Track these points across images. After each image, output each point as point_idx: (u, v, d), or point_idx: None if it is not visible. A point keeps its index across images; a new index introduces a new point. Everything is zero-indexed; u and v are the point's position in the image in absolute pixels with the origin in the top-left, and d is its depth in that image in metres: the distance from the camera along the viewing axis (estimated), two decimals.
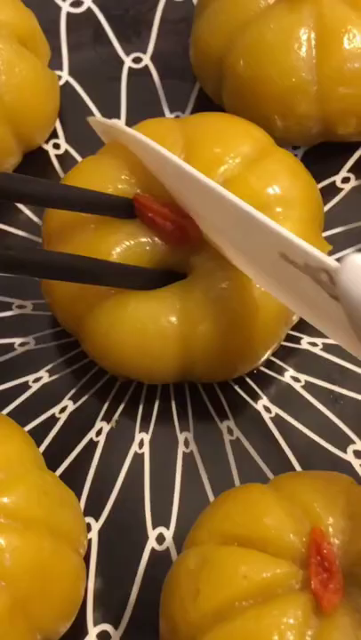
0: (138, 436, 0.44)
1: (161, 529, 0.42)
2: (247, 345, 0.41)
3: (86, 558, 0.40)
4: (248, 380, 0.45)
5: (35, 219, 0.50)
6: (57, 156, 0.52)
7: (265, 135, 0.44)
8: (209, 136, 0.43)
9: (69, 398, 0.45)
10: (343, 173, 0.49)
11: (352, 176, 0.49)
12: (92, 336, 0.42)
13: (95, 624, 0.40)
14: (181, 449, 0.44)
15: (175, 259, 0.42)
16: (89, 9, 0.56)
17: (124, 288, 0.41)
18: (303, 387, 0.45)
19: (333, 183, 0.49)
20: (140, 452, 0.44)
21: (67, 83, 0.54)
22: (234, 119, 0.45)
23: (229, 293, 0.40)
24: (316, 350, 0.45)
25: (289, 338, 0.46)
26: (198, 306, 0.40)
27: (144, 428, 0.44)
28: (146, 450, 0.44)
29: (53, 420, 0.45)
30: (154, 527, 0.42)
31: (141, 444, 0.44)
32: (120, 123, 0.41)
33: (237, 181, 0.41)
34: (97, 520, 0.42)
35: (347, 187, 0.49)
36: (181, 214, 0.40)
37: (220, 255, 0.40)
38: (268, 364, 0.45)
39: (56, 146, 0.52)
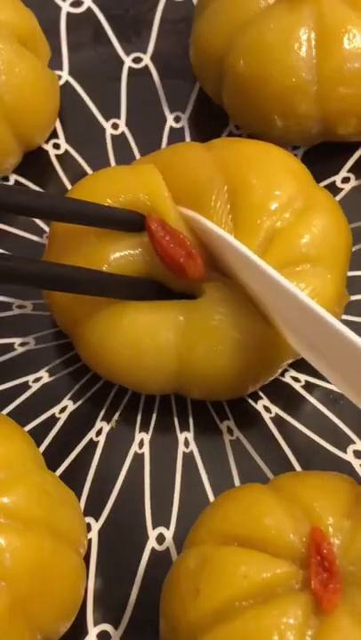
0: (138, 436, 0.44)
1: (161, 529, 0.42)
2: (240, 376, 0.41)
3: (86, 558, 0.40)
4: None
5: (35, 219, 0.50)
6: (57, 155, 0.52)
7: (302, 168, 0.44)
8: (250, 178, 0.42)
9: (69, 398, 0.45)
10: (343, 173, 0.49)
11: (352, 176, 0.49)
12: (87, 343, 0.42)
13: (95, 624, 0.40)
14: (181, 449, 0.44)
15: (179, 283, 0.42)
16: (89, 9, 0.56)
17: (122, 299, 0.41)
18: (303, 387, 0.45)
19: (333, 183, 0.49)
20: (140, 452, 0.44)
21: (67, 83, 0.54)
22: (270, 150, 0.44)
23: (232, 322, 0.40)
24: None
25: None
26: (199, 328, 0.40)
27: (144, 428, 0.44)
28: (146, 450, 0.44)
29: (53, 419, 0.45)
30: (154, 527, 0.42)
31: (141, 444, 0.44)
32: (201, 217, 0.41)
33: (286, 234, 0.41)
34: (97, 520, 0.42)
35: (347, 187, 0.49)
36: (187, 250, 0.40)
37: (232, 287, 0.40)
38: None
39: (56, 146, 0.52)
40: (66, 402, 0.45)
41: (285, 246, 0.41)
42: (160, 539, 0.41)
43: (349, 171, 0.49)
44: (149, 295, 0.41)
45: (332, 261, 0.41)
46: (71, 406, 0.45)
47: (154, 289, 0.42)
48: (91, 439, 0.44)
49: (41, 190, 0.48)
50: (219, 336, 0.40)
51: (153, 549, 0.41)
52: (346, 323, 0.46)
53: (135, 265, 0.41)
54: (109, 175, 0.44)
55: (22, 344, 0.47)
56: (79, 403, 0.45)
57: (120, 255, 0.41)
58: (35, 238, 0.49)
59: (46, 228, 0.49)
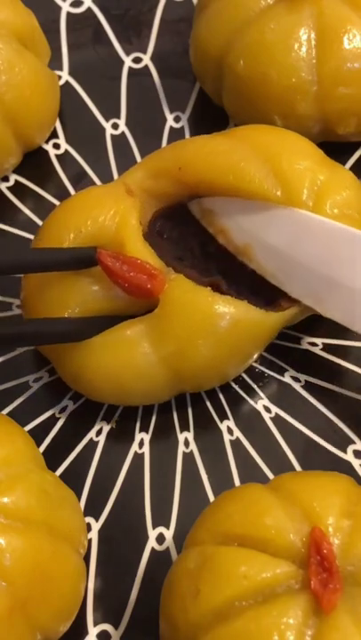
0: (138, 436, 0.44)
1: (161, 529, 0.42)
2: (228, 356, 0.41)
3: (86, 558, 0.40)
4: (248, 380, 0.45)
5: (35, 219, 0.50)
6: (57, 155, 0.52)
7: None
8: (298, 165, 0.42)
9: (69, 398, 0.45)
10: None
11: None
12: (65, 375, 0.43)
13: (95, 624, 0.40)
14: (181, 449, 0.44)
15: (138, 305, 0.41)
16: (89, 9, 0.56)
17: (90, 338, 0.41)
18: (303, 387, 0.45)
19: None
20: (140, 451, 0.44)
21: (67, 83, 0.54)
22: (282, 133, 0.44)
23: (198, 312, 0.40)
24: (316, 350, 0.45)
25: (289, 338, 0.46)
26: (172, 332, 0.40)
27: (144, 428, 0.44)
28: (146, 450, 0.44)
29: (53, 419, 0.45)
30: (154, 527, 0.42)
31: (141, 444, 0.44)
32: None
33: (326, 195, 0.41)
34: (97, 520, 0.42)
35: None
36: (148, 272, 0.40)
37: (191, 287, 0.40)
38: (269, 363, 0.45)
39: (56, 146, 0.52)
40: (66, 402, 0.45)
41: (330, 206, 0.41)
42: (160, 539, 0.41)
43: (350, 170, 0.49)
44: (112, 323, 0.41)
45: None
46: (71, 406, 0.45)
47: (117, 322, 0.42)
48: (91, 439, 0.44)
49: None
50: (193, 331, 0.40)
51: (153, 549, 0.41)
52: None
53: (96, 301, 0.41)
54: (81, 201, 0.43)
55: None
56: (79, 403, 0.45)
57: (79, 297, 0.41)
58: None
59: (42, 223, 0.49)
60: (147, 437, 0.44)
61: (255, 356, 0.43)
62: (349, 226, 0.40)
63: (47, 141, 0.52)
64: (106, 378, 0.41)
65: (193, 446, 0.44)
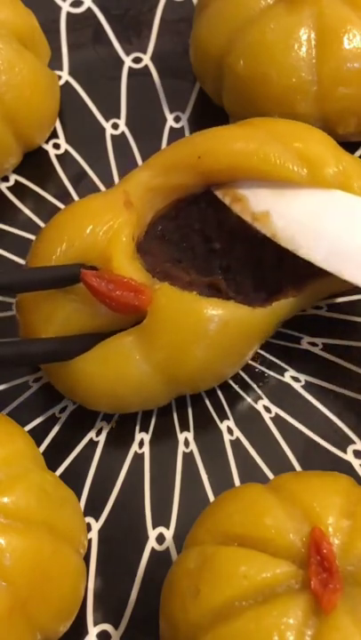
0: (138, 436, 0.44)
1: (161, 529, 0.42)
2: (224, 356, 0.42)
3: (86, 558, 0.40)
4: (248, 380, 0.45)
5: (35, 219, 0.50)
6: (57, 155, 0.52)
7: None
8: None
9: (69, 398, 0.45)
10: None
11: None
12: (60, 388, 0.43)
13: (95, 624, 0.40)
14: (181, 449, 0.44)
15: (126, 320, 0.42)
16: (89, 9, 0.56)
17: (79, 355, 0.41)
18: (303, 387, 0.45)
19: None
20: (140, 451, 0.44)
21: (67, 83, 0.54)
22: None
23: (186, 318, 0.40)
24: (316, 350, 0.45)
25: (289, 338, 0.46)
26: (163, 340, 0.40)
27: (144, 428, 0.44)
28: (146, 450, 0.44)
29: (53, 419, 0.45)
30: (154, 527, 0.42)
31: (141, 444, 0.44)
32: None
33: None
34: (97, 520, 0.42)
35: None
36: (134, 289, 0.40)
37: (177, 294, 0.40)
38: (269, 364, 0.45)
39: (56, 146, 0.52)
40: (66, 402, 0.45)
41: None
42: (160, 539, 0.41)
43: None
44: (99, 339, 0.41)
45: None
46: (71, 406, 0.45)
47: (102, 336, 0.42)
48: (91, 439, 0.44)
49: None
50: (184, 337, 0.40)
51: (153, 549, 0.41)
52: (346, 323, 0.46)
53: (83, 318, 0.41)
54: (79, 212, 0.43)
55: None
56: (79, 403, 0.45)
57: (65, 315, 0.41)
58: (35, 238, 0.49)
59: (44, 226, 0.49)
60: (147, 437, 0.44)
61: (251, 354, 0.43)
62: None
63: (47, 141, 0.52)
64: (101, 391, 0.41)
65: (193, 446, 0.44)
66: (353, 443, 0.43)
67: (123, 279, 0.40)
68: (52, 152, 0.52)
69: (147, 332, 0.40)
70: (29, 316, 0.42)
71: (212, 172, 0.42)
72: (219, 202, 0.43)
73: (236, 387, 0.45)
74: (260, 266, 0.43)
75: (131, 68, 0.54)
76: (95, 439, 0.44)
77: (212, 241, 0.43)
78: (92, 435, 0.44)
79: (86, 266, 0.41)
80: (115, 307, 0.40)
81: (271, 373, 0.45)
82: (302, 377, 0.45)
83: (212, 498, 0.42)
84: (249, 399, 0.44)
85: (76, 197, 0.50)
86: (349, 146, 0.49)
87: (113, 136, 0.52)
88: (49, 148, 0.52)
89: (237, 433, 0.44)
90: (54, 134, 0.52)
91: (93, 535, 0.42)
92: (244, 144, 0.42)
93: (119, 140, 0.52)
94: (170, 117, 0.52)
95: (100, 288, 0.39)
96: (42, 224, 0.49)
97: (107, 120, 0.52)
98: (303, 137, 0.42)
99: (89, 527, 0.42)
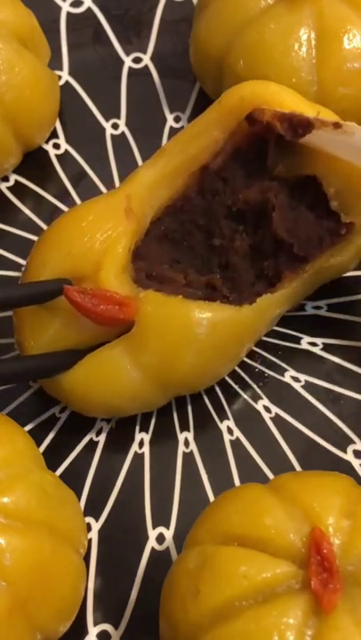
0: (138, 436, 0.44)
1: (161, 529, 0.42)
2: (207, 368, 0.42)
3: (86, 558, 0.40)
4: (248, 380, 0.45)
5: (35, 219, 0.50)
6: (57, 155, 0.52)
7: None
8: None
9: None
10: None
11: None
12: (56, 396, 0.43)
13: (95, 624, 0.40)
14: (181, 449, 0.44)
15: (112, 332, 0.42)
16: (89, 9, 0.56)
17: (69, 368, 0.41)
18: (303, 387, 0.45)
19: None
20: (140, 451, 0.44)
21: (67, 83, 0.54)
22: None
23: (174, 320, 0.40)
24: (316, 350, 0.45)
25: (289, 338, 0.46)
26: (152, 347, 0.40)
27: (144, 428, 0.44)
28: (146, 450, 0.44)
29: (53, 419, 0.45)
30: (154, 527, 0.42)
31: (141, 444, 0.44)
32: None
33: None
34: (97, 520, 0.42)
35: None
36: (118, 302, 0.40)
37: (162, 300, 0.40)
38: (269, 364, 0.45)
39: (56, 146, 0.52)
40: None
41: None
42: (160, 539, 0.41)
43: None
44: (84, 353, 0.41)
45: None
46: None
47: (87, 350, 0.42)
48: (91, 439, 0.44)
49: None
50: (174, 342, 0.40)
51: (153, 549, 0.41)
52: (346, 323, 0.46)
53: (69, 333, 0.41)
54: (79, 219, 0.43)
55: None
56: None
57: (51, 330, 0.41)
58: (35, 238, 0.49)
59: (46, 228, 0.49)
60: (147, 437, 0.44)
61: (245, 351, 0.43)
62: None
63: (47, 141, 0.52)
64: (96, 403, 0.42)
65: (193, 446, 0.44)
66: (353, 443, 0.43)
67: (106, 293, 0.40)
68: (52, 152, 0.52)
69: (136, 340, 0.40)
70: (17, 335, 0.43)
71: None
72: (230, 184, 0.43)
73: (236, 387, 0.45)
74: (259, 256, 0.43)
75: (131, 68, 0.54)
76: (95, 439, 0.44)
77: (213, 237, 0.43)
78: (92, 435, 0.44)
79: (67, 281, 0.41)
80: (100, 321, 0.40)
81: (271, 373, 0.45)
82: (302, 377, 0.45)
83: (212, 498, 0.42)
84: (249, 399, 0.44)
85: (75, 197, 0.50)
86: None
87: (113, 136, 0.52)
88: (49, 148, 0.52)
89: (237, 433, 0.44)
90: (54, 134, 0.52)
91: (93, 535, 0.42)
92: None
93: (119, 140, 0.52)
94: (170, 117, 0.52)
95: (83, 303, 0.39)
96: (42, 224, 0.49)
97: (107, 120, 0.52)
98: None
99: (89, 527, 0.42)
